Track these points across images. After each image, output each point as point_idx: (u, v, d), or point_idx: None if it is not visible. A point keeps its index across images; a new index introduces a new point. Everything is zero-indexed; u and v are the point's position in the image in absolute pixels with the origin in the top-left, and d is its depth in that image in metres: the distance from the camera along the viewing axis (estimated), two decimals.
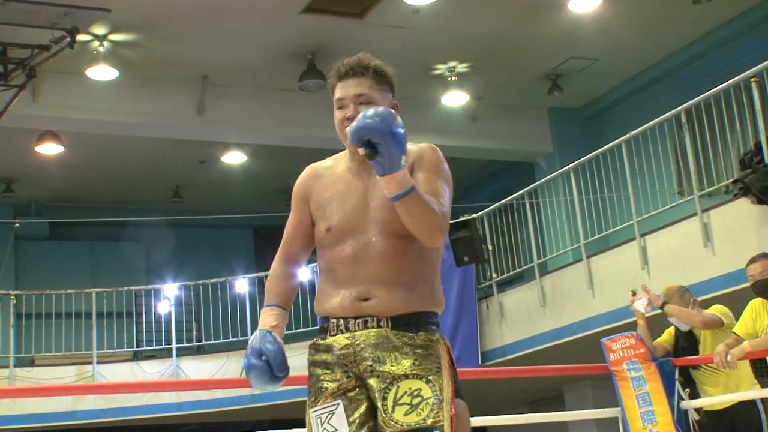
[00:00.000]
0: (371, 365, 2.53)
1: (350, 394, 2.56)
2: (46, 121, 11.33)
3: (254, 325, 12.24)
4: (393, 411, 2.47)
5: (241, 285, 12.61)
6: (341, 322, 2.59)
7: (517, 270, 10.72)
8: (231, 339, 12.39)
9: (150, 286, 13.20)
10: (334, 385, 2.57)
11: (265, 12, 9.95)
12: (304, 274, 12.40)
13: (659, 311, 5.79)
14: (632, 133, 9.06)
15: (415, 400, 2.47)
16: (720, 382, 5.54)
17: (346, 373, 2.57)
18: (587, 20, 10.58)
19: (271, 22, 10.16)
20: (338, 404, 2.56)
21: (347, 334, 2.58)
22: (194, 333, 13.37)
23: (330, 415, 2.57)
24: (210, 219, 14.55)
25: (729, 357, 5.11)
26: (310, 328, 12.12)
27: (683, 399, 5.58)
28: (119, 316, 12.69)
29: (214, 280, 12.61)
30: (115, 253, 14.94)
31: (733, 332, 5.38)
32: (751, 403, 5.46)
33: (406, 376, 2.49)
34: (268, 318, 2.67)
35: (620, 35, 11.03)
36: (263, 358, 2.56)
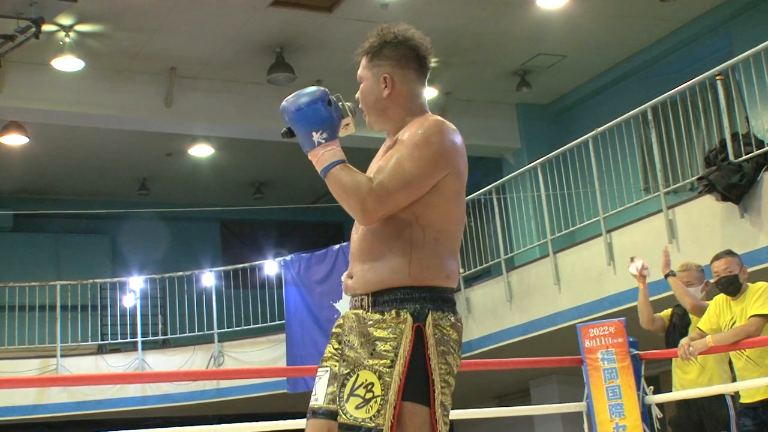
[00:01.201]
0: (342, 348, 2.55)
1: (337, 367, 2.58)
2: (11, 112, 11.22)
3: (220, 319, 12.27)
4: (347, 401, 2.45)
5: (208, 278, 12.54)
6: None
7: (484, 265, 10.75)
8: (197, 333, 12.34)
9: (115, 279, 13.10)
10: (329, 353, 2.63)
11: (234, 4, 9.90)
12: (272, 267, 12.36)
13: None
14: (599, 129, 9.12)
15: (368, 395, 2.43)
16: (694, 370, 5.62)
17: (340, 346, 2.60)
18: (555, 17, 10.62)
19: (239, 15, 10.11)
20: (327, 371, 2.61)
21: (344, 314, 2.63)
22: (160, 326, 13.28)
23: (318, 380, 2.62)
24: (177, 212, 14.47)
25: (691, 349, 5.17)
26: (277, 322, 12.11)
27: (647, 394, 5.62)
28: (84, 309, 12.58)
29: (180, 273, 12.54)
30: (80, 245, 14.82)
31: (698, 327, 5.44)
32: (720, 399, 5.53)
33: (364, 366, 2.46)
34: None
35: (588, 32, 11.09)
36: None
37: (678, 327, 5.80)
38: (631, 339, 5.64)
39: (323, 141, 2.48)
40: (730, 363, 5.55)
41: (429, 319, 2.49)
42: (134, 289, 12.69)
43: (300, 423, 2.70)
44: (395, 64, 2.65)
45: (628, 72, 11.94)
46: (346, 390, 2.46)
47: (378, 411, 2.41)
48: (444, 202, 2.56)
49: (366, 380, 2.44)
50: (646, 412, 5.56)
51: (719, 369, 5.60)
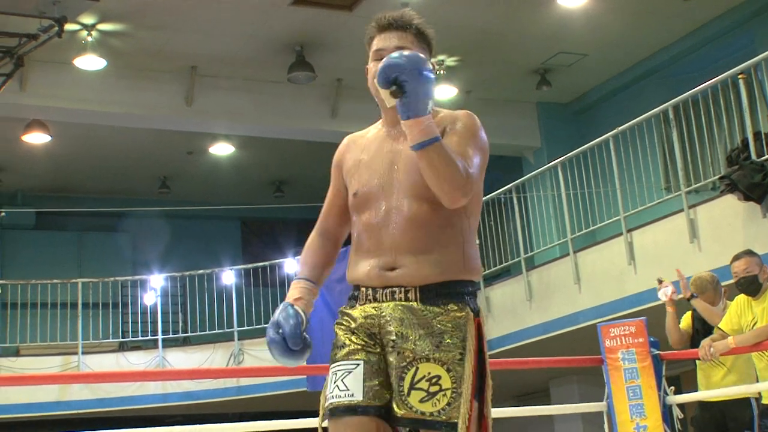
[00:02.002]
0: (394, 340, 2.41)
1: (372, 359, 2.43)
2: (34, 111, 11.29)
3: (240, 317, 12.30)
4: (408, 394, 2.35)
5: (228, 276, 12.59)
6: (369, 291, 2.49)
7: (504, 264, 10.73)
8: (217, 330, 12.38)
9: (136, 277, 13.17)
10: (356, 345, 2.46)
11: (255, 3, 9.92)
12: (291, 266, 12.38)
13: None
14: (620, 128, 9.08)
15: (433, 388, 2.34)
16: (719, 373, 5.59)
17: (371, 338, 2.45)
18: (576, 15, 10.59)
19: (260, 14, 10.13)
20: (359, 364, 2.43)
21: (374, 304, 2.47)
22: (180, 324, 13.34)
23: (346, 374, 2.43)
24: (197, 210, 14.53)
25: (712, 350, 5.15)
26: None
27: (668, 395, 5.60)
28: (105, 306, 12.64)
29: (200, 271, 12.59)
30: (101, 243, 14.90)
31: (719, 328, 5.41)
32: (744, 401, 5.49)
33: (427, 359, 2.36)
34: (293, 290, 2.57)
35: (609, 31, 11.05)
36: (279, 331, 2.46)
37: (701, 332, 5.76)
38: (651, 339, 5.61)
39: (430, 111, 2.34)
40: None
41: (482, 313, 2.50)
42: (155, 287, 12.75)
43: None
44: (431, 56, 2.62)
45: (650, 71, 11.89)
46: (406, 383, 2.36)
47: (448, 404, 2.33)
48: (480, 193, 2.56)
49: (429, 373, 2.36)
50: (667, 412, 5.54)
51: (745, 372, 5.55)
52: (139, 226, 14.98)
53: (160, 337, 12.20)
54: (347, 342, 2.48)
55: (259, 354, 11.92)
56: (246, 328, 12.31)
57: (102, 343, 12.50)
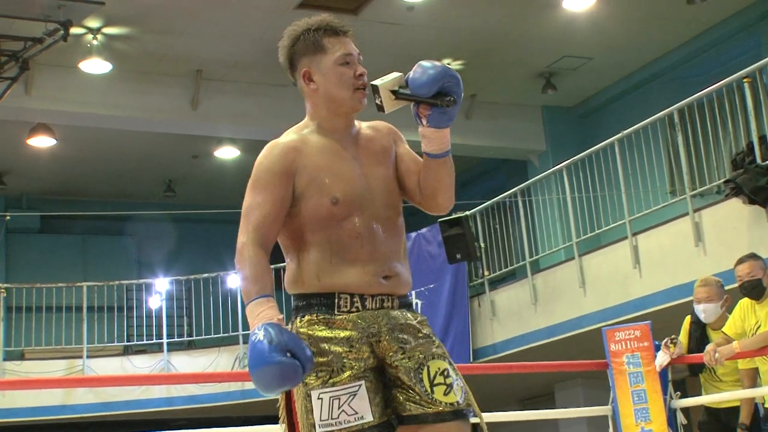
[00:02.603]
0: (402, 346, 2.43)
1: (370, 376, 2.41)
2: (39, 114, 11.31)
3: (245, 321, 12.26)
4: (432, 392, 2.39)
5: (233, 280, 12.59)
6: (356, 298, 2.42)
7: (509, 268, 10.72)
8: (222, 334, 12.37)
9: (141, 281, 13.18)
10: (358, 364, 2.38)
11: (260, 7, 9.94)
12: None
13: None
14: (625, 132, 9.08)
15: (448, 380, 2.42)
16: (724, 388, 5.56)
17: (373, 353, 2.41)
18: (582, 19, 10.59)
19: (265, 17, 10.14)
20: (360, 385, 2.37)
21: (368, 312, 2.42)
22: (185, 328, 13.34)
23: (351, 397, 2.36)
24: (202, 213, 14.53)
25: (717, 355, 5.13)
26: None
27: (673, 399, 5.59)
28: (110, 310, 12.66)
29: (205, 275, 12.59)
30: (106, 247, 14.92)
31: (722, 332, 5.39)
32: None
33: (433, 356, 2.43)
34: (270, 310, 2.36)
35: (614, 34, 11.05)
36: (289, 354, 2.23)
37: (697, 339, 5.72)
38: (657, 343, 5.60)
39: None
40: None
41: None
42: (160, 291, 12.76)
43: None
44: None
45: (655, 74, 11.88)
46: (426, 382, 2.40)
47: (463, 392, 2.44)
48: None
49: (440, 368, 2.43)
50: (672, 416, 5.53)
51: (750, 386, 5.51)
52: (144, 230, 14.99)
53: (165, 340, 12.20)
54: (346, 364, 2.38)
55: None
56: (251, 331, 12.29)
57: (107, 346, 12.52)
